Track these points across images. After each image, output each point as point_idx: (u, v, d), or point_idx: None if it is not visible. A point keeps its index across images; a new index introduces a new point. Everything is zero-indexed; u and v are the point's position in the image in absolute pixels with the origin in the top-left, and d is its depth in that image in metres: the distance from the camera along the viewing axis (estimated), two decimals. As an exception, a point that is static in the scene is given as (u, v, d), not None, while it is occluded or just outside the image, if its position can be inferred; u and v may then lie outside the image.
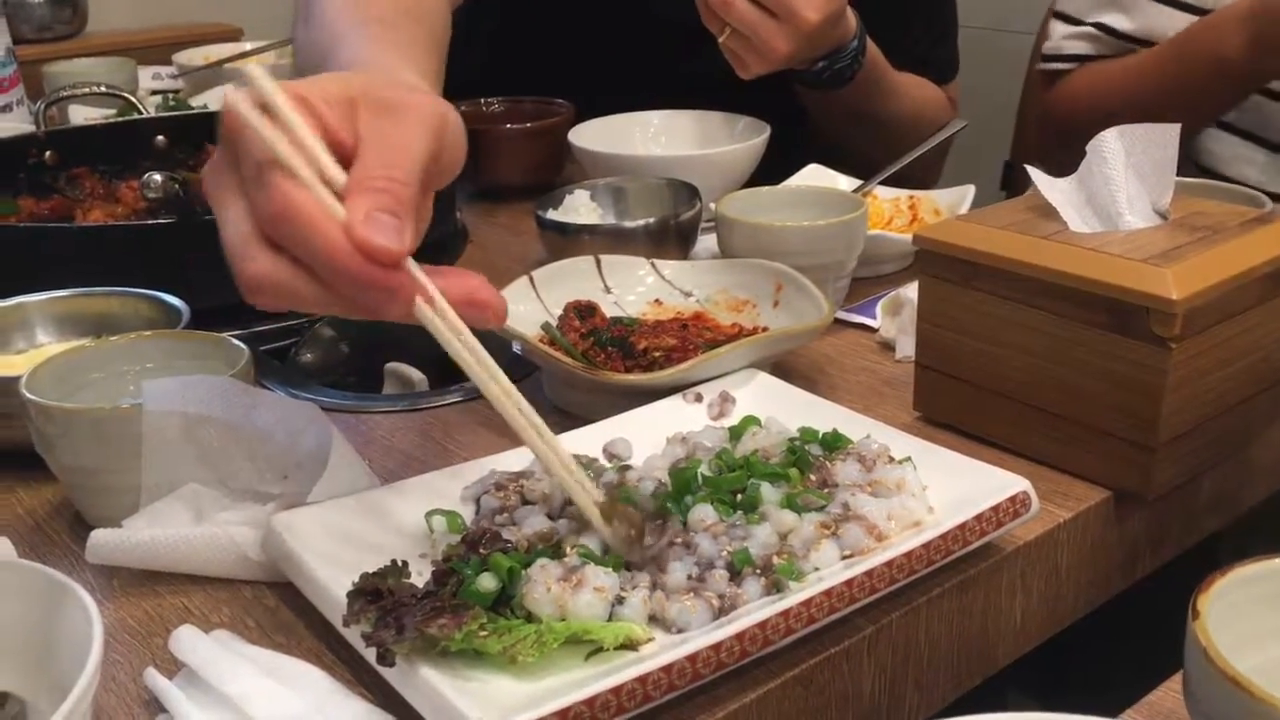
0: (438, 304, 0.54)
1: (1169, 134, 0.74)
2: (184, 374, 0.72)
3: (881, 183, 1.15)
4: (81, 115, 1.47)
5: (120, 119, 1.35)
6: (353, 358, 1.01)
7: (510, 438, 0.78)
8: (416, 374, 0.91)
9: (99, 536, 0.60)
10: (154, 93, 1.71)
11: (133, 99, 1.33)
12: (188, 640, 0.56)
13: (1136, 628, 0.90)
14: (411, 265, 0.53)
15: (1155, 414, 0.66)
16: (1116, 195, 0.73)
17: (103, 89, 1.32)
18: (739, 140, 1.24)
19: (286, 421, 0.63)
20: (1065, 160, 0.77)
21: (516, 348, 0.81)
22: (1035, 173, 0.75)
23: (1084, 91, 1.28)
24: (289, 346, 0.97)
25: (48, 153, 1.21)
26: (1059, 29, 1.32)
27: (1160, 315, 0.64)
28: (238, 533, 0.61)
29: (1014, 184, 1.62)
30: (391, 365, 0.93)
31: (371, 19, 0.76)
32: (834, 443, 0.68)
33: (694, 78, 1.25)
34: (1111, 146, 0.74)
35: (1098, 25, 1.27)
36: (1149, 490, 0.68)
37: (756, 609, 0.55)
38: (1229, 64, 1.11)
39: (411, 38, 0.76)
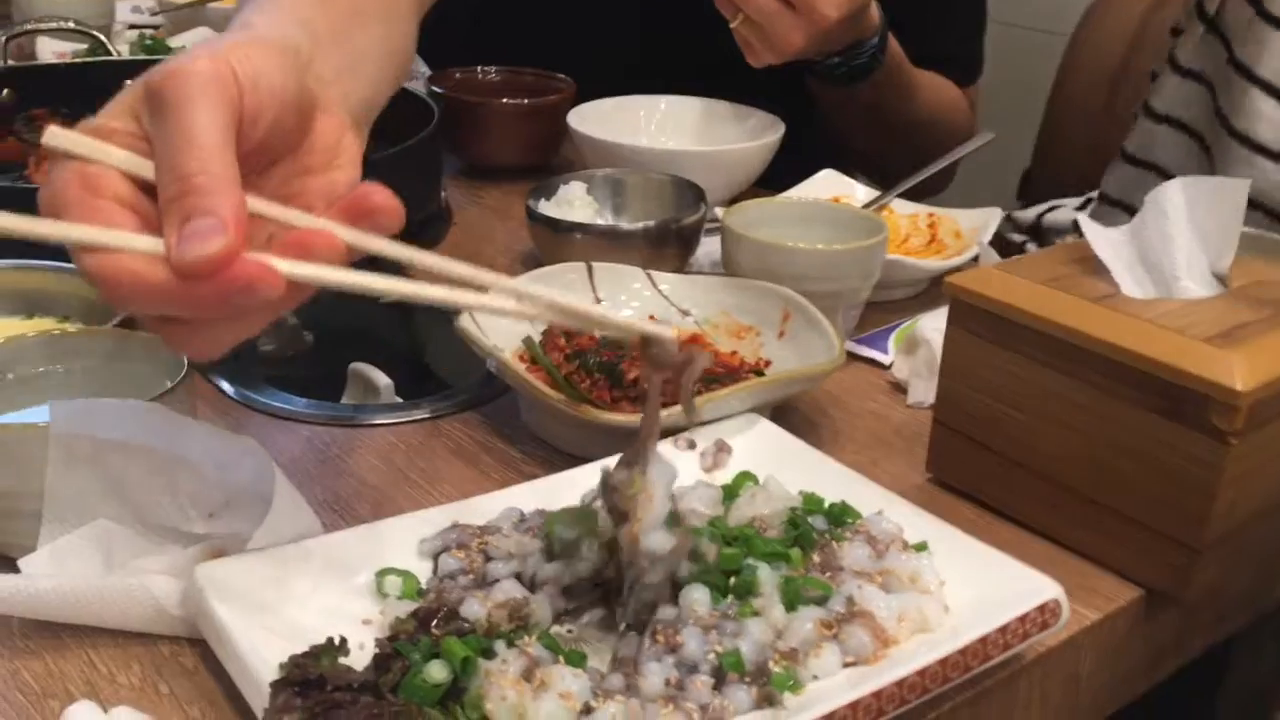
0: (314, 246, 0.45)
1: (1237, 190, 0.66)
2: (118, 379, 0.64)
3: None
4: (51, 50, 1.37)
5: (87, 59, 1.25)
6: (317, 350, 0.92)
7: (482, 471, 0.71)
8: (383, 379, 0.83)
9: (-8, 583, 0.52)
10: (131, 27, 1.61)
11: (103, 39, 1.23)
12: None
13: None
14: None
15: (1205, 512, 0.59)
16: (1175, 255, 0.65)
17: (71, 24, 1.22)
18: (750, 135, 1.16)
19: (217, 453, 0.55)
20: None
21: (491, 365, 0.73)
22: (1086, 222, 0.67)
23: None
24: (246, 335, 0.88)
25: (5, 90, 1.12)
26: None
27: (1221, 406, 0.57)
28: (155, 583, 0.53)
29: (1031, 194, 1.55)
30: (356, 366, 0.85)
31: None
32: (841, 517, 0.60)
33: (704, 62, 1.17)
34: (1173, 200, 0.66)
35: None
36: (1186, 593, 0.61)
37: (744, 728, 0.48)
38: None
39: None
